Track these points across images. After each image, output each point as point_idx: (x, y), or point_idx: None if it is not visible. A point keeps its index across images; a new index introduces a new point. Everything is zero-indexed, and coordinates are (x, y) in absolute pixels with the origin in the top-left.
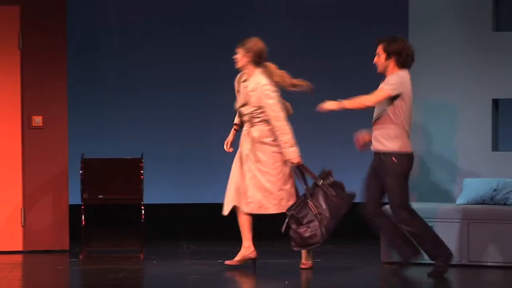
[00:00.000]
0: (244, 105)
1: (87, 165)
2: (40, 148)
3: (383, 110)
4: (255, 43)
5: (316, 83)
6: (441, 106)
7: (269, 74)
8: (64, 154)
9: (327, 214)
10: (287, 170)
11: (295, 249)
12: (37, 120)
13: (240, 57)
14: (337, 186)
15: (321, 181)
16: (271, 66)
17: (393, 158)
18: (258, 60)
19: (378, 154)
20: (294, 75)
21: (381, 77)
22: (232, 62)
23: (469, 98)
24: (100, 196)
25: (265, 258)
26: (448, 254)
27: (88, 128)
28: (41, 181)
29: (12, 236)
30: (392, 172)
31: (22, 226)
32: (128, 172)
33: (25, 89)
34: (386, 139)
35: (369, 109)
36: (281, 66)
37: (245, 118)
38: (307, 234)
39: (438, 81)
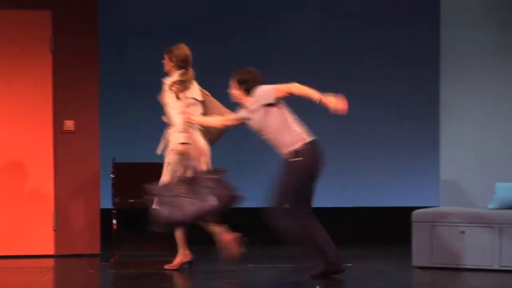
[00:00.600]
0: None
1: (118, 169)
2: (72, 152)
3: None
4: (181, 49)
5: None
6: (472, 110)
7: (187, 79)
8: (95, 158)
9: (187, 201)
10: None
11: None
12: (69, 124)
13: (166, 62)
14: (220, 182)
15: (202, 173)
16: (192, 73)
17: None
18: (182, 65)
19: None
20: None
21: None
22: (262, 67)
23: (502, 101)
24: (131, 200)
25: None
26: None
27: (119, 132)
28: (73, 185)
29: (44, 240)
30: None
31: (54, 230)
32: (159, 176)
33: (57, 93)
34: None
35: None
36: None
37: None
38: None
39: (470, 84)
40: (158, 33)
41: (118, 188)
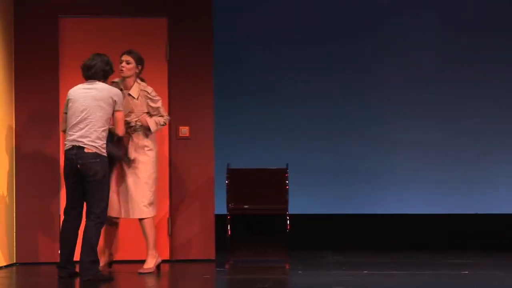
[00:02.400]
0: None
1: (233, 175)
2: (187, 158)
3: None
4: (141, 56)
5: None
6: None
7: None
8: (210, 164)
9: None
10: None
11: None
12: (184, 130)
13: (132, 67)
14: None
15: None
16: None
17: None
18: (141, 72)
19: None
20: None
21: None
22: (374, 73)
23: None
24: (246, 206)
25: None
26: None
27: (233, 139)
28: (188, 191)
29: (160, 245)
30: None
31: (169, 235)
32: (273, 182)
33: (173, 100)
34: None
35: None
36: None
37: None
38: None
39: None
40: (272, 40)
41: (233, 194)
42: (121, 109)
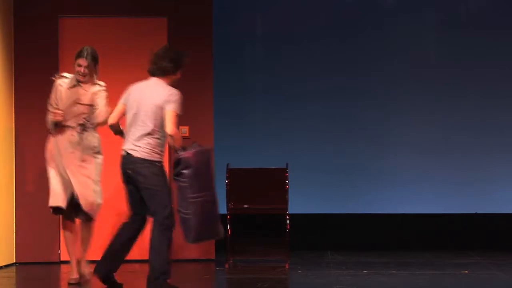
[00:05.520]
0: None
1: (233, 175)
2: None
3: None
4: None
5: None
6: None
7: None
8: None
9: None
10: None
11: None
12: (184, 130)
13: (91, 69)
14: None
15: None
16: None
17: None
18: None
19: None
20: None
21: None
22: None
23: None
24: (245, 206)
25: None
26: None
27: (233, 139)
28: None
29: None
30: None
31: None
32: (273, 182)
33: None
34: None
35: None
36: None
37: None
38: None
39: None
40: (273, 40)
41: (233, 193)
42: None
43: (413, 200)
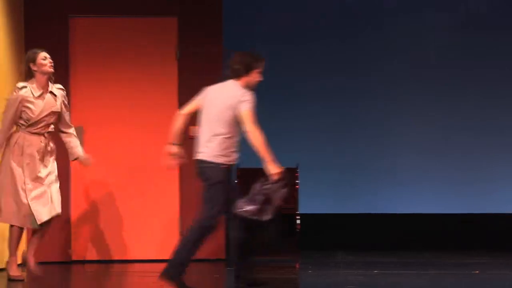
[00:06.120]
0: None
1: (243, 174)
2: None
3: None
4: None
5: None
6: None
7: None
8: None
9: None
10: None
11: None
12: (194, 130)
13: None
14: None
15: None
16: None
17: None
18: None
19: None
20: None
21: None
22: (386, 69)
23: None
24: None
25: None
26: None
27: (243, 137)
28: (198, 191)
29: (170, 245)
30: None
31: (180, 234)
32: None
33: (182, 99)
34: None
35: None
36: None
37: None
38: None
39: None
40: (282, 38)
41: (243, 193)
42: None
43: (413, 200)
